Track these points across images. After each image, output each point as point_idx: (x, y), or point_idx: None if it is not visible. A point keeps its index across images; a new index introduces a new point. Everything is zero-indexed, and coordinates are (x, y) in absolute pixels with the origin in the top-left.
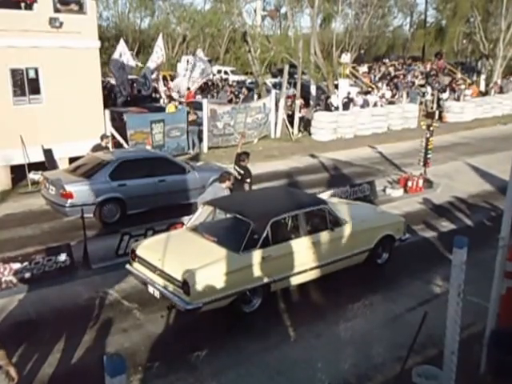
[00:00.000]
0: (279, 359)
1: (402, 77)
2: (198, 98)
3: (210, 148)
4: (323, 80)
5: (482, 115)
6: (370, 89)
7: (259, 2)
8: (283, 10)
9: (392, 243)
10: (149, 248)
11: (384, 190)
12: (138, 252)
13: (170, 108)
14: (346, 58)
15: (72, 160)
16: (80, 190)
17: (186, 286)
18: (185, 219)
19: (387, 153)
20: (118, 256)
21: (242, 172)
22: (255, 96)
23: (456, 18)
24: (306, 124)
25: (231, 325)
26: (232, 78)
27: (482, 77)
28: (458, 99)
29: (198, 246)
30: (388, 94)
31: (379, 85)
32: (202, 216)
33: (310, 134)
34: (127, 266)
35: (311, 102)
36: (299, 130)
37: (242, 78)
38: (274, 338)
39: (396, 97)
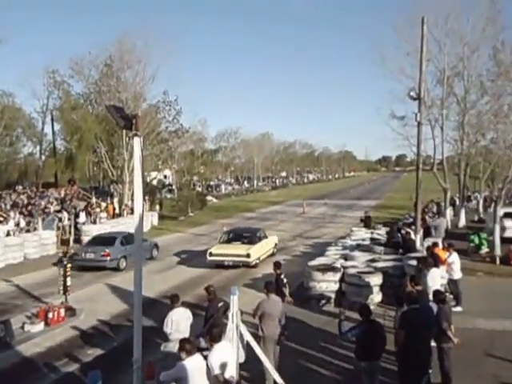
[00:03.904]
0: None
1: (36, 204)
2: None
3: None
4: None
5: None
6: (0, 218)
7: None
8: None
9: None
10: (218, 250)
11: (23, 327)
12: (214, 252)
13: None
14: None
15: None
16: (112, 252)
17: (248, 255)
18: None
19: (25, 284)
20: None
21: None
22: None
23: (83, 148)
24: None
25: None
26: None
27: (115, 200)
28: (94, 222)
29: (237, 245)
30: (23, 223)
31: (11, 213)
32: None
33: None
34: (209, 259)
35: None
36: None
37: None
38: None
39: (31, 224)
